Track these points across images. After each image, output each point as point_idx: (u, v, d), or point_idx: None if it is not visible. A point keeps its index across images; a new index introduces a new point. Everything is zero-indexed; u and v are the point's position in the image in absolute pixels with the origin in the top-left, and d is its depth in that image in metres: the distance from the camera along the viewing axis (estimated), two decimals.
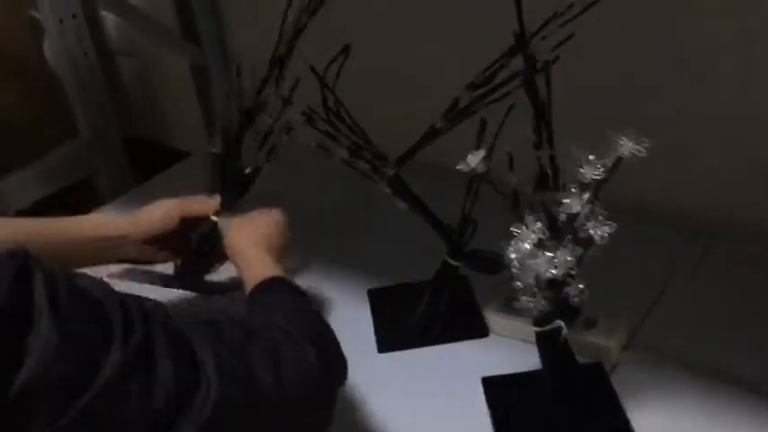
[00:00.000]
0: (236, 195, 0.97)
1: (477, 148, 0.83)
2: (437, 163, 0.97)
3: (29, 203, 1.51)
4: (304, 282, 1.05)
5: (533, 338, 0.88)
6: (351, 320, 0.98)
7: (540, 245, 0.58)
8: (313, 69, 0.78)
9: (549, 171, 0.65)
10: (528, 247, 0.57)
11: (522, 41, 0.63)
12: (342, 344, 0.72)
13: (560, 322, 0.75)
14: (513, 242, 0.60)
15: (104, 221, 0.93)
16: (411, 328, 0.94)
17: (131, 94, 1.73)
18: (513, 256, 0.60)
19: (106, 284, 0.53)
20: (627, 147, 0.50)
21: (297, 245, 1.10)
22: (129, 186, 1.43)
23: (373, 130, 0.85)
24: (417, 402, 0.84)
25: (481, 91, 0.80)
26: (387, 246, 1.11)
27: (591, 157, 0.52)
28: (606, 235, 0.53)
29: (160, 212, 0.91)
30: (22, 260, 0.46)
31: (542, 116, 0.65)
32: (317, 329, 0.71)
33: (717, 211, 1.06)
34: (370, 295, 1.02)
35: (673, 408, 0.79)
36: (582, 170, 0.53)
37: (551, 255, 0.57)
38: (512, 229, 0.59)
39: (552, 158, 0.64)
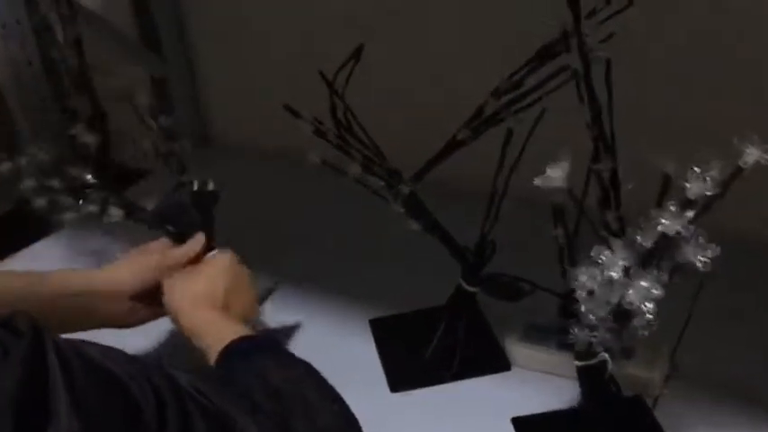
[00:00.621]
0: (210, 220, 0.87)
1: (502, 160, 0.76)
2: (444, 181, 0.89)
3: None
4: (297, 312, 0.95)
5: (561, 371, 0.81)
6: (354, 355, 0.88)
7: (626, 273, 0.50)
8: (322, 75, 0.68)
9: (610, 187, 0.56)
10: (615, 275, 0.49)
11: (576, 31, 0.55)
12: (348, 384, 0.62)
13: (605, 355, 0.67)
14: (586, 269, 0.52)
15: (69, 273, 0.79)
16: (426, 363, 0.84)
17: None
18: (586, 284, 0.52)
19: (127, 356, 0.43)
20: (753, 155, 0.42)
21: (290, 269, 1.03)
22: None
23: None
24: None
25: (508, 97, 0.72)
26: (387, 271, 1.01)
27: (696, 170, 0.44)
28: (708, 260, 0.45)
29: (149, 265, 0.78)
30: (33, 338, 0.37)
31: (600, 122, 0.57)
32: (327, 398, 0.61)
33: None
34: (373, 326, 0.92)
35: None
36: (688, 185, 0.45)
37: (644, 284, 0.48)
38: (593, 254, 0.51)
39: (614, 172, 0.56)
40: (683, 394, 0.77)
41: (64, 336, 0.40)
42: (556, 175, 0.50)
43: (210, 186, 0.89)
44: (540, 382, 0.81)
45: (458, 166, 0.78)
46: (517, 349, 0.83)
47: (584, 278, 0.52)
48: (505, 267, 0.83)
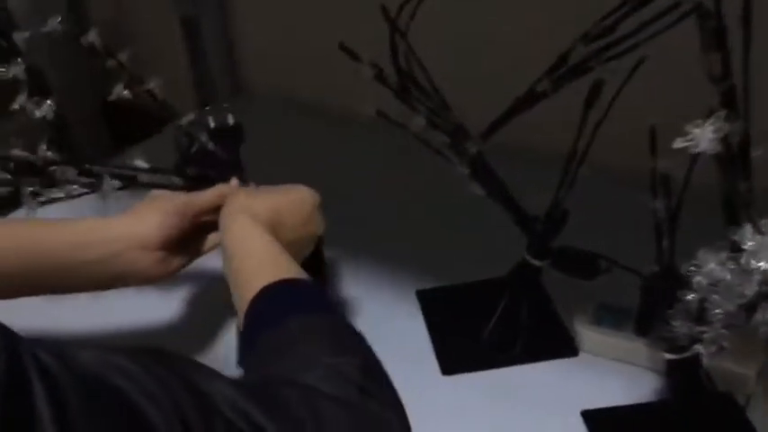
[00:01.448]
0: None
1: (585, 117, 0.65)
2: (513, 141, 0.79)
3: None
4: (337, 280, 0.86)
5: (637, 360, 0.72)
6: (398, 330, 0.79)
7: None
8: (384, 10, 0.58)
9: (739, 153, 0.46)
10: (764, 264, 0.39)
11: None
12: (392, 364, 0.52)
13: (700, 348, 0.57)
14: (715, 254, 0.42)
15: (83, 222, 0.66)
16: (483, 344, 0.75)
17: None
18: (714, 272, 0.42)
19: (141, 361, 0.33)
20: None
21: (329, 232, 0.93)
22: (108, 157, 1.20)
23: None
24: None
25: (600, 43, 0.61)
26: (440, 237, 0.92)
27: None
28: None
29: (154, 225, 0.66)
30: (10, 364, 0.27)
31: (729, 74, 0.46)
32: (365, 365, 0.50)
33: None
34: (420, 297, 0.83)
35: None
36: None
37: None
38: (736, 237, 0.41)
39: (746, 136, 0.46)
40: None
41: (53, 342, 0.30)
42: (705, 135, 0.40)
43: (230, 121, 0.78)
44: (612, 371, 0.72)
45: (530, 123, 0.69)
46: (587, 333, 0.74)
47: (712, 264, 0.42)
48: (575, 241, 0.74)
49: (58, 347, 0.31)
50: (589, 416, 0.67)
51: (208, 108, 0.77)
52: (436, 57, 0.66)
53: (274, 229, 0.62)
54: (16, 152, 0.69)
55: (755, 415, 0.66)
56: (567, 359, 0.74)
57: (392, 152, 0.92)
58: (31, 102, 0.71)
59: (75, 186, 0.71)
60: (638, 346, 0.70)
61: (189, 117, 0.76)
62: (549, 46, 0.62)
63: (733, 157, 0.46)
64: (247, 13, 1.30)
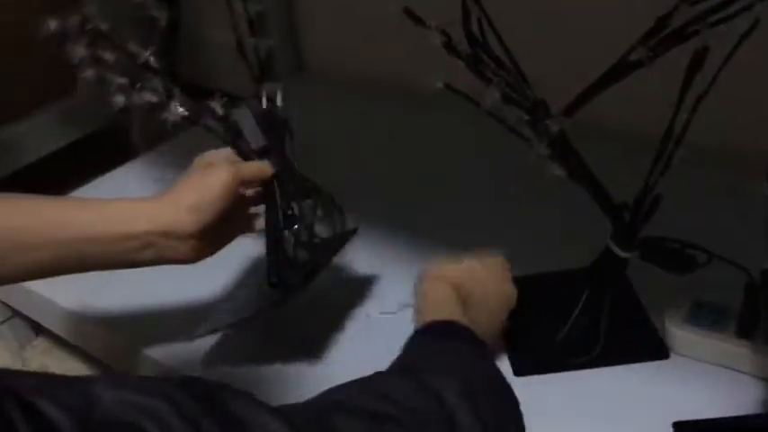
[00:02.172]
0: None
1: (685, 90, 0.57)
2: (599, 119, 0.72)
3: (46, 152, 1.27)
4: (398, 266, 0.81)
5: (740, 365, 0.64)
6: None
7: None
8: None
9: None
10: None
11: None
12: None
13: None
14: None
15: (131, 211, 0.61)
16: (561, 343, 0.68)
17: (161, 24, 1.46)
18: None
19: (159, 389, 0.29)
20: None
21: (393, 214, 0.89)
22: (163, 137, 1.18)
23: None
24: None
25: (707, 3, 0.53)
26: (515, 223, 0.86)
27: None
28: None
29: (216, 189, 0.61)
30: None
31: None
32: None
33: None
34: None
35: None
36: None
37: None
38: None
39: None
40: None
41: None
42: None
43: (279, 103, 0.73)
44: (709, 376, 0.64)
45: (619, 98, 0.61)
46: (680, 333, 0.66)
47: None
48: (667, 231, 0.66)
49: (76, 394, 0.26)
50: (683, 428, 0.60)
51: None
52: (513, 23, 0.59)
53: (467, 296, 0.64)
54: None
55: None
56: (656, 362, 0.67)
57: (462, 131, 0.86)
58: None
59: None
60: (740, 350, 0.63)
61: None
62: (645, 7, 0.55)
63: None
64: None
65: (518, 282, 0.77)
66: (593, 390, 0.65)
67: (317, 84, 1.27)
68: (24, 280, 0.62)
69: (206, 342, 0.74)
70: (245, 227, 0.70)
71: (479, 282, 0.66)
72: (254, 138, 0.71)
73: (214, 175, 0.62)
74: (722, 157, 0.80)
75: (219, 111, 0.70)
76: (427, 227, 0.87)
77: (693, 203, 0.76)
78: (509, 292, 0.68)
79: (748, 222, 0.60)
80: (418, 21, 0.52)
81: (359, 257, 0.83)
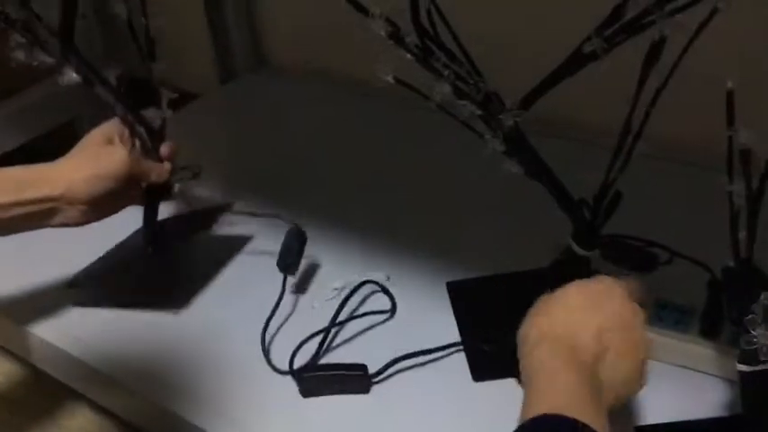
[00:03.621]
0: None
1: (643, 83, 0.55)
2: (555, 114, 0.70)
3: (1, 152, 1.23)
4: (353, 268, 0.78)
5: (703, 366, 0.62)
6: (428, 326, 0.71)
7: None
8: None
9: None
10: None
11: None
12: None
13: None
14: None
15: (26, 175, 0.67)
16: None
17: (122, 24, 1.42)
18: None
19: None
20: None
21: (348, 214, 0.87)
22: None
23: None
24: None
25: None
26: (473, 223, 0.83)
27: None
28: None
29: (111, 173, 0.68)
30: None
31: None
32: None
33: None
34: (451, 290, 0.75)
35: None
36: None
37: None
38: None
39: None
40: None
41: None
42: None
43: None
44: (673, 378, 0.62)
45: (576, 91, 0.59)
46: None
47: None
48: (629, 228, 0.64)
49: None
50: None
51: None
52: (465, 14, 0.57)
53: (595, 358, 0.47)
54: None
55: None
56: None
57: (415, 125, 0.84)
58: None
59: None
60: (703, 351, 0.61)
61: None
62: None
63: None
64: None
65: (480, 282, 0.75)
66: None
67: (278, 78, 1.24)
68: None
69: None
70: (133, 200, 0.74)
71: (618, 334, 0.49)
72: None
73: (113, 160, 0.68)
74: (685, 150, 0.78)
75: (112, 81, 0.72)
76: (378, 221, 0.85)
77: (655, 200, 0.75)
78: (644, 345, 0.50)
79: (711, 219, 0.58)
80: (361, 9, 0.49)
81: (315, 249, 0.81)
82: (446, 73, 0.52)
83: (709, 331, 0.61)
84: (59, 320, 0.76)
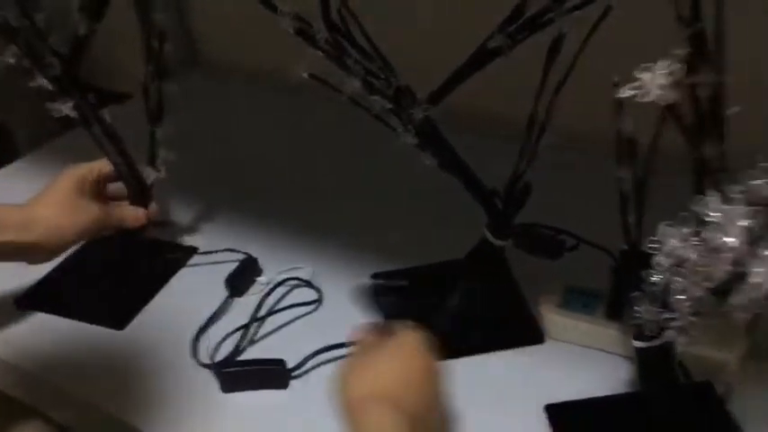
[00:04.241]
0: None
1: (546, 77, 0.58)
2: (467, 108, 0.72)
3: None
4: (284, 261, 0.79)
5: (609, 346, 0.66)
6: (347, 319, 0.72)
7: (746, 237, 0.33)
8: None
9: (710, 109, 0.39)
10: (732, 241, 0.32)
11: None
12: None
13: (674, 335, 0.51)
14: (677, 230, 0.35)
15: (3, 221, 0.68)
16: (439, 332, 0.68)
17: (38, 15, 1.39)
18: (678, 251, 0.35)
19: None
20: None
21: (277, 209, 0.88)
22: (50, 135, 1.13)
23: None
24: None
25: None
26: (392, 216, 0.85)
27: None
28: None
29: (80, 231, 0.71)
30: None
31: (698, 17, 0.39)
32: None
33: None
34: (374, 282, 0.77)
35: None
36: None
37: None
38: (697, 208, 0.34)
39: (719, 88, 0.39)
40: (763, 380, 0.61)
41: None
42: (656, 81, 0.32)
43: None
44: (582, 359, 0.65)
45: (485, 87, 0.62)
46: (553, 318, 0.67)
47: (673, 241, 0.35)
48: (541, 218, 0.67)
49: None
50: (553, 410, 0.61)
51: None
52: (376, 11, 0.59)
53: (394, 399, 0.50)
54: None
55: (736, 405, 0.59)
56: (532, 347, 0.68)
57: (334, 120, 0.86)
58: None
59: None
60: (609, 332, 0.64)
61: None
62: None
63: (702, 114, 0.39)
64: None
65: (402, 274, 0.77)
66: (472, 376, 0.65)
67: (210, 78, 1.25)
68: None
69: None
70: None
71: (416, 382, 0.53)
72: None
73: (89, 217, 0.71)
74: (589, 142, 0.81)
75: (107, 118, 0.71)
76: (304, 215, 0.87)
77: (564, 190, 0.78)
78: (437, 368, 0.55)
79: (616, 207, 0.61)
80: (270, 6, 0.50)
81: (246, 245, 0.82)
82: (356, 69, 0.53)
83: (614, 313, 0.64)
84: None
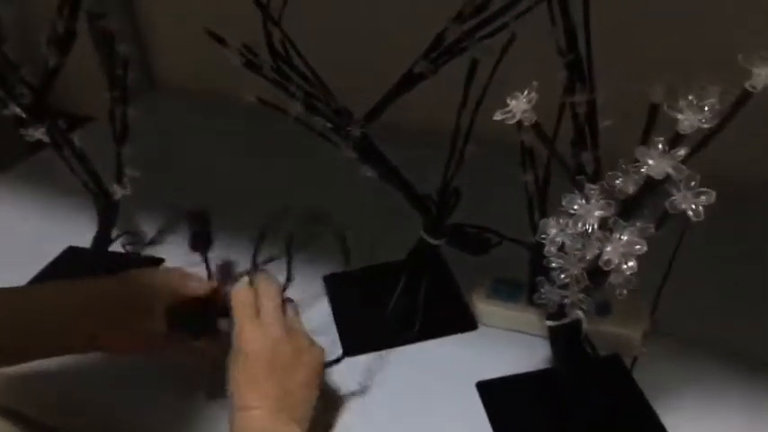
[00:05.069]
0: None
1: (466, 96, 0.67)
2: (401, 122, 0.80)
3: None
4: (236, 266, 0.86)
5: (532, 329, 0.74)
6: (305, 315, 0.80)
7: (603, 224, 0.42)
8: None
9: (586, 122, 0.48)
10: (590, 227, 0.41)
11: None
12: None
13: (579, 314, 0.60)
14: (556, 221, 0.44)
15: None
16: (384, 324, 0.76)
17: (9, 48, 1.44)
18: (556, 238, 0.44)
19: None
20: (763, 77, 0.34)
21: (233, 223, 0.94)
22: (19, 158, 1.18)
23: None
24: (399, 414, 0.68)
25: (473, 22, 0.62)
26: (347, 223, 0.93)
27: (691, 98, 0.36)
28: (701, 209, 0.37)
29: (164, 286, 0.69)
30: None
31: (575, 46, 0.48)
32: None
33: None
34: (327, 282, 0.84)
35: (706, 402, 0.66)
36: (681, 117, 0.36)
37: (625, 238, 0.40)
38: (565, 203, 0.42)
39: (592, 105, 0.48)
40: (664, 353, 0.71)
41: None
42: (520, 107, 0.41)
43: None
44: (509, 341, 0.74)
45: (415, 104, 0.70)
46: (484, 307, 0.76)
47: (553, 231, 0.44)
48: (472, 218, 0.75)
49: None
50: (483, 387, 0.69)
51: None
52: (317, 43, 0.67)
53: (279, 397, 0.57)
54: None
55: (642, 376, 0.68)
56: (466, 333, 0.76)
57: (284, 137, 0.93)
58: None
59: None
60: (529, 316, 0.73)
61: None
62: (429, 27, 0.64)
63: (581, 126, 0.48)
64: (152, 7, 1.29)
65: (352, 275, 0.85)
66: (413, 361, 0.73)
67: (167, 100, 1.31)
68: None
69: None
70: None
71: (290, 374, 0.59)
72: None
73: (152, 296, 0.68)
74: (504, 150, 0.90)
75: (77, 141, 0.77)
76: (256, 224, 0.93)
77: (488, 192, 0.85)
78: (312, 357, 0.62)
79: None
80: (220, 41, 0.58)
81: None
82: (297, 93, 0.61)
83: (534, 301, 0.72)
84: None
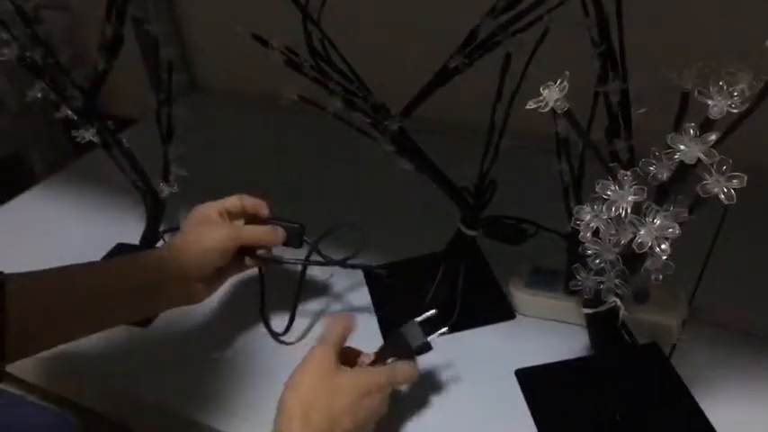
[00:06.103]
0: None
1: (501, 89, 0.68)
2: (437, 116, 0.82)
3: None
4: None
5: (569, 318, 0.75)
6: (347, 307, 0.82)
7: (636, 209, 0.43)
8: None
9: (619, 111, 0.49)
10: (624, 211, 0.42)
11: None
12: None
13: (617, 301, 0.60)
14: (590, 207, 0.45)
15: (136, 260, 0.71)
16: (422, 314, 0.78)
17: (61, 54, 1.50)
18: (591, 224, 0.45)
19: None
20: None
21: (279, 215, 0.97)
22: (66, 160, 1.23)
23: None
24: (441, 403, 0.70)
25: (506, 16, 0.63)
26: (379, 216, 0.95)
27: (721, 84, 0.37)
28: (733, 192, 0.38)
29: (199, 252, 0.71)
30: None
31: (608, 36, 0.49)
32: None
33: None
34: (366, 275, 0.86)
35: (747, 389, 0.66)
36: (711, 102, 0.37)
37: (658, 222, 0.41)
38: (599, 189, 0.44)
39: (624, 94, 0.49)
40: (703, 341, 0.71)
41: None
42: (552, 96, 0.42)
43: None
44: (547, 330, 0.75)
45: (451, 98, 0.71)
46: (521, 296, 0.77)
47: (587, 217, 0.45)
48: (509, 209, 0.77)
49: None
50: (521, 374, 0.70)
51: None
52: (354, 41, 0.69)
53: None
54: None
55: (680, 363, 0.69)
56: (504, 322, 0.77)
57: (323, 132, 0.95)
58: None
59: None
60: (567, 305, 0.74)
61: None
62: (464, 25, 0.65)
63: (614, 115, 0.49)
64: (193, 12, 1.33)
65: (392, 267, 0.87)
66: (453, 352, 0.75)
67: (209, 101, 1.35)
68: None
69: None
70: (240, 269, 0.78)
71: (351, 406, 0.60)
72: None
73: (214, 237, 0.72)
74: (540, 141, 0.91)
75: (125, 142, 0.80)
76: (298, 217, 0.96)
77: (524, 184, 0.86)
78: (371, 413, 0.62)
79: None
80: (263, 42, 0.60)
81: None
82: (337, 90, 0.63)
83: (572, 289, 0.73)
84: None
